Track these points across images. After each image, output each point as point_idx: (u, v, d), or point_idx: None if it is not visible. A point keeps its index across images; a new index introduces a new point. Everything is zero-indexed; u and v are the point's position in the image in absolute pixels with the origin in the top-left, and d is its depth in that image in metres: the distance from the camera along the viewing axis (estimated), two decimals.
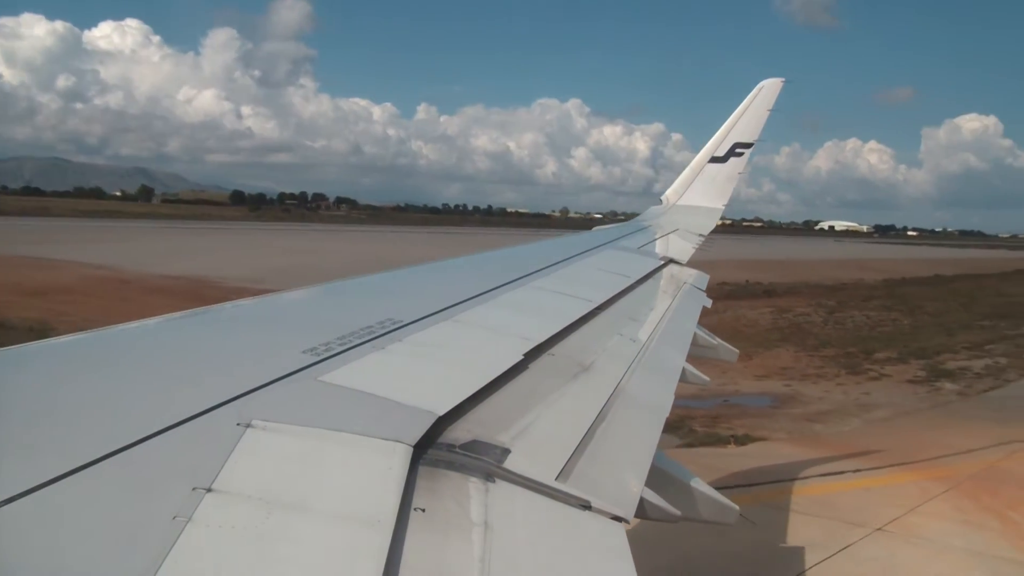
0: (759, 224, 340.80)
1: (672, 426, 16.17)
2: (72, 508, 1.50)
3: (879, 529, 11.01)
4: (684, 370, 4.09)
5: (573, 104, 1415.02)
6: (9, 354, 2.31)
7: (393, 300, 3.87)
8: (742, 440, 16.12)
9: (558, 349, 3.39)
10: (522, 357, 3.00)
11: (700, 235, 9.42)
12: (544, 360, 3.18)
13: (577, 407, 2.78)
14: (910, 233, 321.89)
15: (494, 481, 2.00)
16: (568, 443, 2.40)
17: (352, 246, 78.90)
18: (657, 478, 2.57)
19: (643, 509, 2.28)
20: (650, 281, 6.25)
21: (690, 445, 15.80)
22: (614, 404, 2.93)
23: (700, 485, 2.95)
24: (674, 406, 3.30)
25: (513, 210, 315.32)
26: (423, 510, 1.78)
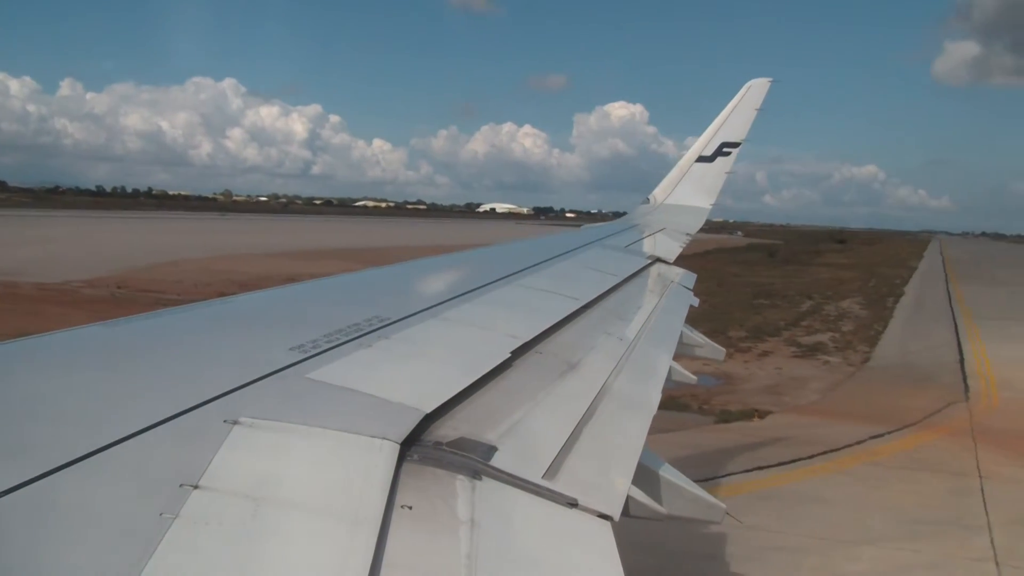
0: (423, 207, 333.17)
1: (680, 406, 17.08)
2: (59, 505, 1.49)
3: (981, 476, 11.71)
4: (671, 368, 4.11)
5: (228, 84, 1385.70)
6: None
7: (380, 298, 3.86)
8: (762, 415, 17.09)
9: (545, 347, 3.40)
10: (509, 355, 3.00)
11: (687, 234, 9.46)
12: (531, 358, 3.18)
13: (564, 405, 2.79)
14: (568, 215, 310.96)
15: (481, 479, 2.00)
16: (555, 441, 2.41)
17: (74, 231, 73.92)
18: (644, 477, 2.59)
19: (629, 507, 2.29)
20: (637, 280, 6.26)
21: (725, 421, 16.61)
22: (601, 402, 2.94)
23: (687, 483, 2.97)
24: None
25: (176, 192, 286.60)
26: (410, 507, 1.78)
